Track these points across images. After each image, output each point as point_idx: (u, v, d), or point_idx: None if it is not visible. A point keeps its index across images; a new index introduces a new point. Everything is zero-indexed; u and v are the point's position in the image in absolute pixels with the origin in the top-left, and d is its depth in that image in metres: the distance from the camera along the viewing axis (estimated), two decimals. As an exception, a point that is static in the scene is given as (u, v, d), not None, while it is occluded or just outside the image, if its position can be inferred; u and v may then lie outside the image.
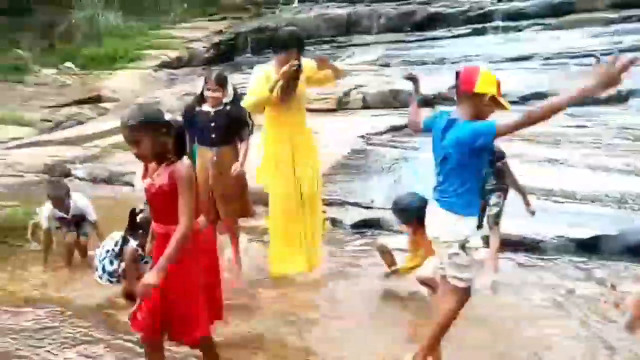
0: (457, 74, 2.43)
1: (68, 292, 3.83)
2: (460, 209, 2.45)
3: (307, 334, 3.19)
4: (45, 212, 4.26)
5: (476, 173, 2.48)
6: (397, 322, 3.32)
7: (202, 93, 3.93)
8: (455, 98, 2.49)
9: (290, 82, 3.68)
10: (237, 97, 3.95)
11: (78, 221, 4.33)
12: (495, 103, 2.39)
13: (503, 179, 3.78)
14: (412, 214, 3.39)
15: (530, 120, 2.23)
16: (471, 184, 2.45)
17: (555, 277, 3.82)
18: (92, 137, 8.62)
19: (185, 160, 2.31)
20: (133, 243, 3.65)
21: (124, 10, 14.93)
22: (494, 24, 11.72)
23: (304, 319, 3.36)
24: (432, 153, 2.56)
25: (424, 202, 3.03)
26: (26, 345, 3.02)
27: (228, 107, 3.90)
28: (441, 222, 2.51)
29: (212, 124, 3.86)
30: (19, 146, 8.39)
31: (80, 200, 4.34)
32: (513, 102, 7.79)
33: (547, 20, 11.38)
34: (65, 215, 4.24)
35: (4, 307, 3.51)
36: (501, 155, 3.73)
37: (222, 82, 3.88)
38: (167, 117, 2.34)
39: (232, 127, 3.90)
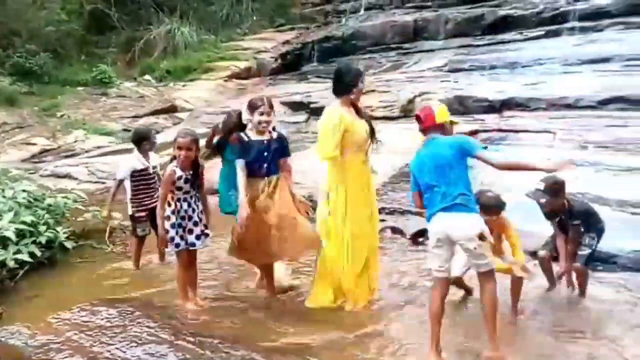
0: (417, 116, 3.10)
1: (139, 293, 4.05)
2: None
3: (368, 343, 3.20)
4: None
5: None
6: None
7: (241, 123, 3.68)
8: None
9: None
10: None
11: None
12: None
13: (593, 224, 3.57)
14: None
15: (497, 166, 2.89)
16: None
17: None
18: (167, 146, 9.06)
19: None
20: None
21: (198, 24, 15.63)
22: (569, 24, 11.12)
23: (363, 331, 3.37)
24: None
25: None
26: (99, 342, 3.23)
27: (276, 133, 3.67)
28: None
29: (267, 154, 3.57)
30: (101, 154, 8.99)
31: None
32: (590, 107, 7.40)
33: (631, 19, 10.63)
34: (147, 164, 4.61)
35: (81, 305, 3.77)
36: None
37: (272, 105, 3.62)
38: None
39: (283, 153, 3.69)
